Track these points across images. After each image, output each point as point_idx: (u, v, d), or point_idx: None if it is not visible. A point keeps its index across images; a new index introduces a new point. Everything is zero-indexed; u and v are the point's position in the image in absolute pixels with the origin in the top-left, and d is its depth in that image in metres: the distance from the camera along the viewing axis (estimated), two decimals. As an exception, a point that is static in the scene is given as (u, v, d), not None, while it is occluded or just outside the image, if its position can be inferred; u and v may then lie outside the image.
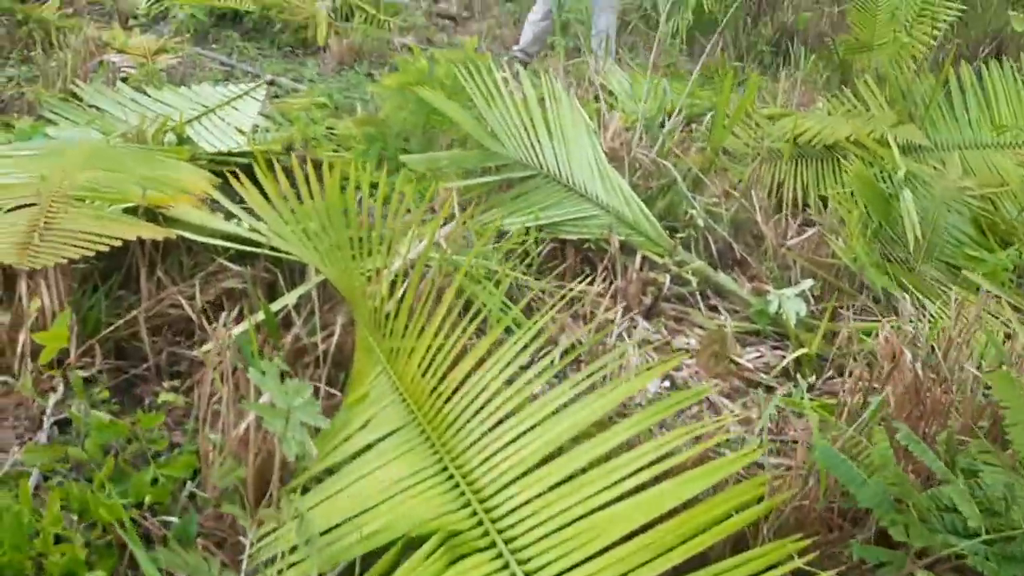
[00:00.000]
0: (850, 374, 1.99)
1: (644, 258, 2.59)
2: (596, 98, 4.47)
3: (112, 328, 2.05)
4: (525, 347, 1.68)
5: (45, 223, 1.98)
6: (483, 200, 2.78)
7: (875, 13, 4.48)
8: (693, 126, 3.70)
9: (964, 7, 4.34)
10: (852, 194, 3.05)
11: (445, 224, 2.33)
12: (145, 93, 3.39)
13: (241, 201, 2.29)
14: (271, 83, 4.72)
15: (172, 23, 5.23)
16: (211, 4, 5.37)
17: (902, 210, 3.01)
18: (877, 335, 2.10)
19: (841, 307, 2.60)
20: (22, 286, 1.93)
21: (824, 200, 3.25)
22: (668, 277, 2.53)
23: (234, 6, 5.42)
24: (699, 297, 2.62)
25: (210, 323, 2.02)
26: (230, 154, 3.06)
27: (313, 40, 5.34)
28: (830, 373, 2.32)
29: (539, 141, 2.71)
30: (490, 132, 2.78)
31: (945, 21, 4.23)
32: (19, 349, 1.85)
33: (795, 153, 3.54)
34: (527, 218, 2.66)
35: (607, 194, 2.64)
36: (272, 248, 2.14)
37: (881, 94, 4.06)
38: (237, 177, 2.21)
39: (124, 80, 3.68)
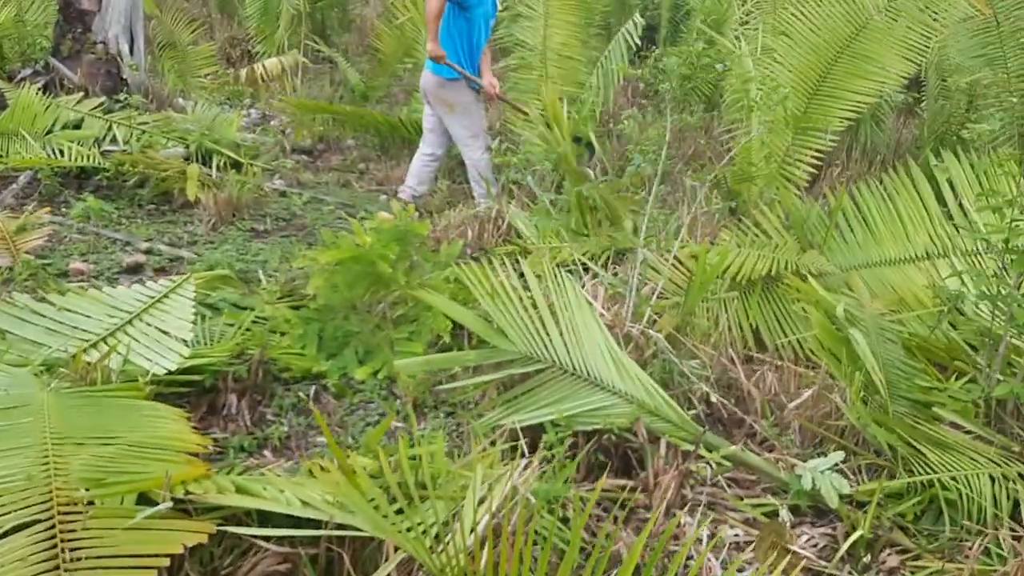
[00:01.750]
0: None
1: (669, 445, 2.52)
2: (506, 241, 4.44)
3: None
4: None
5: (66, 547, 1.59)
6: (485, 397, 2.60)
7: (749, 149, 4.78)
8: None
9: (836, 139, 4.73)
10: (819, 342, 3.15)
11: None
12: (48, 301, 2.91)
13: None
14: (147, 251, 4.27)
15: (13, 189, 4.63)
16: (57, 164, 4.83)
17: (859, 352, 3.15)
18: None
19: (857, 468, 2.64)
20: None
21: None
22: (708, 468, 2.46)
23: (83, 164, 4.90)
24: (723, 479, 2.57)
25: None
26: (180, 372, 2.69)
27: (179, 195, 4.91)
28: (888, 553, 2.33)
29: (548, 333, 2.58)
30: (497, 329, 2.62)
31: (820, 151, 4.59)
32: None
33: (731, 291, 3.65)
34: (540, 413, 2.52)
35: (623, 381, 2.55)
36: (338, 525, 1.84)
37: (779, 222, 4.31)
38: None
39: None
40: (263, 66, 7.50)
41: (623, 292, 3.05)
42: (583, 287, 2.89)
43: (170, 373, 2.65)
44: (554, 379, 2.58)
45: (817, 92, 4.60)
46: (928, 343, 3.57)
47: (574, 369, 2.58)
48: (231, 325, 3.21)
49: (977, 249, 4.24)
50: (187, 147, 5.48)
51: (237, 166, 5.47)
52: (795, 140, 4.65)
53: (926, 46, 4.34)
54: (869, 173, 5.24)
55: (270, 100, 7.66)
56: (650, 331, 2.83)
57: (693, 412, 2.73)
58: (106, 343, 2.74)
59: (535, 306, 2.64)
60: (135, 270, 4.05)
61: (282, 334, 3.31)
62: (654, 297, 3.15)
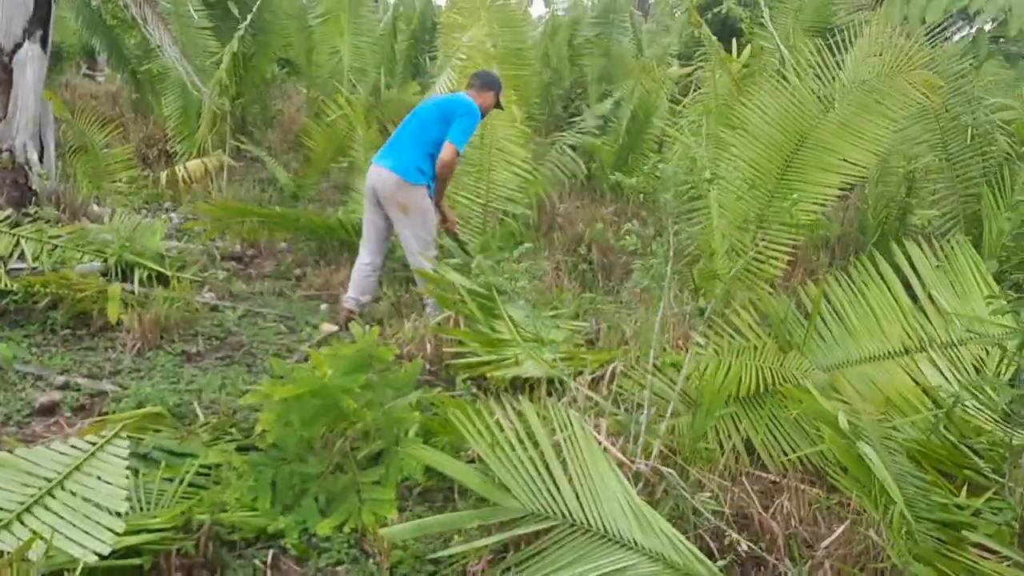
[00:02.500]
0: None
1: (701, 609, 2.18)
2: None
3: None
4: None
5: None
6: (481, 562, 2.22)
7: (710, 245, 4.61)
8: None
9: (795, 247, 4.59)
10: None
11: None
12: (-53, 470, 2.42)
13: None
14: (64, 386, 3.77)
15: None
16: (-45, 288, 4.31)
17: (875, 471, 2.90)
18: None
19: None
20: None
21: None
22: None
23: (-13, 287, 4.38)
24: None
25: None
26: (114, 556, 2.23)
27: (98, 316, 4.43)
28: None
29: (556, 485, 2.24)
30: (498, 484, 2.25)
31: (790, 247, 4.44)
32: None
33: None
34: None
35: (646, 536, 2.22)
36: None
37: (753, 321, 4.11)
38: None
39: None
40: (185, 168, 7.09)
41: (624, 422, 2.74)
42: (578, 414, 2.56)
43: (103, 558, 2.19)
44: (566, 537, 2.23)
45: (779, 186, 4.48)
46: (930, 450, 3.37)
47: (589, 524, 2.24)
48: (170, 480, 2.76)
49: (952, 341, 4.14)
50: (105, 261, 5.01)
51: (162, 280, 5.02)
52: (760, 235, 4.50)
53: (884, 137, 4.28)
54: (832, 266, 5.15)
55: (191, 202, 7.23)
56: (661, 467, 2.52)
57: (721, 563, 2.40)
58: (22, 522, 2.26)
59: (540, 454, 2.29)
60: (49, 411, 3.55)
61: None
62: (662, 425, 2.84)
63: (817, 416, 3.36)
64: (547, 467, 2.27)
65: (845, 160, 4.29)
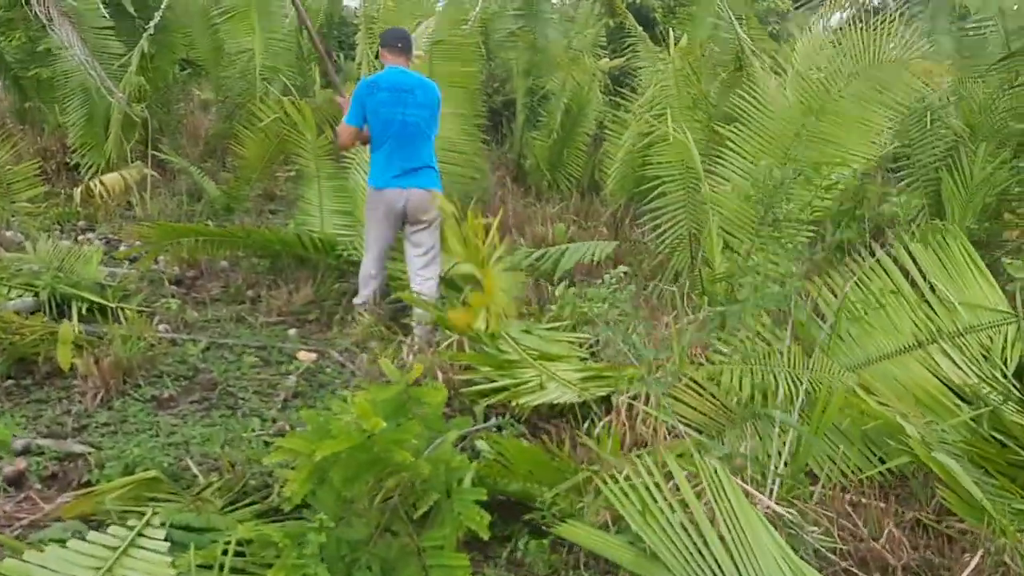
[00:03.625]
0: None
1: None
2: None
3: None
4: None
5: None
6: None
7: (712, 247, 4.43)
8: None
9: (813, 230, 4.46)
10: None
11: None
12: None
13: None
14: (25, 450, 3.22)
15: None
16: None
17: (962, 483, 2.77)
18: None
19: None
20: None
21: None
22: None
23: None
24: None
25: None
26: None
27: (44, 362, 3.85)
28: None
29: (714, 555, 1.95)
30: (649, 555, 1.95)
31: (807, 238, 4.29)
32: None
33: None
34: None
35: (803, 594, 1.97)
36: None
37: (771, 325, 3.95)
38: None
39: None
40: (101, 182, 6.39)
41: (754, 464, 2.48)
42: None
43: None
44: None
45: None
46: (984, 452, 3.27)
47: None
48: (207, 568, 2.33)
49: (960, 330, 4.10)
50: (37, 295, 4.40)
51: (104, 312, 4.45)
52: (763, 234, 4.35)
53: (888, 127, 4.20)
54: (830, 262, 5.05)
55: (110, 221, 6.55)
56: (791, 511, 2.28)
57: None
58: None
59: (691, 517, 2.00)
60: (16, 483, 3.02)
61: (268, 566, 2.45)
62: (781, 465, 2.59)
63: (883, 426, 3.22)
64: (698, 529, 1.99)
65: (850, 151, 4.19)
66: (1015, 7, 5.88)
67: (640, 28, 8.34)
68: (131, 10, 8.69)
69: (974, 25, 6.20)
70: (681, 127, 5.55)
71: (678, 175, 5.32)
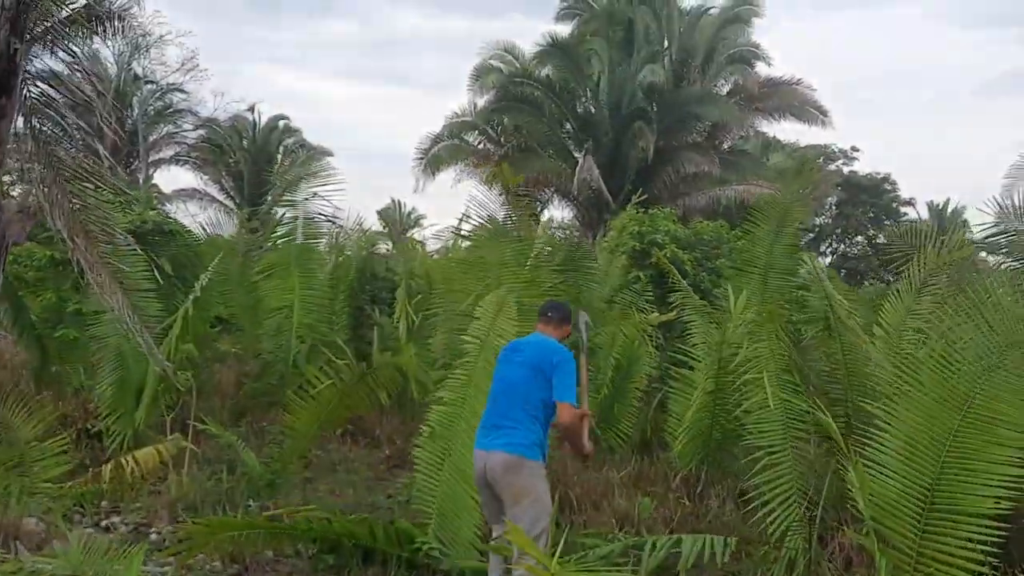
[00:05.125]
0: None
1: None
2: None
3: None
4: None
5: None
6: None
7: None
8: None
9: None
10: None
11: None
12: None
13: None
14: None
15: None
16: None
17: None
18: None
19: None
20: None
21: None
22: None
23: None
24: None
25: None
26: None
27: None
28: None
29: None
30: None
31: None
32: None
33: None
34: None
35: None
36: None
37: None
38: None
39: None
40: (133, 458, 5.76)
41: None
42: None
43: None
44: None
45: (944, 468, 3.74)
46: None
47: None
48: None
49: None
50: None
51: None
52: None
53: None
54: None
55: (136, 498, 5.84)
56: None
57: None
58: None
59: None
60: None
61: None
62: None
63: None
64: None
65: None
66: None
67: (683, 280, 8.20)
68: (168, 270, 8.53)
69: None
70: (776, 392, 5.12)
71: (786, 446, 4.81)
